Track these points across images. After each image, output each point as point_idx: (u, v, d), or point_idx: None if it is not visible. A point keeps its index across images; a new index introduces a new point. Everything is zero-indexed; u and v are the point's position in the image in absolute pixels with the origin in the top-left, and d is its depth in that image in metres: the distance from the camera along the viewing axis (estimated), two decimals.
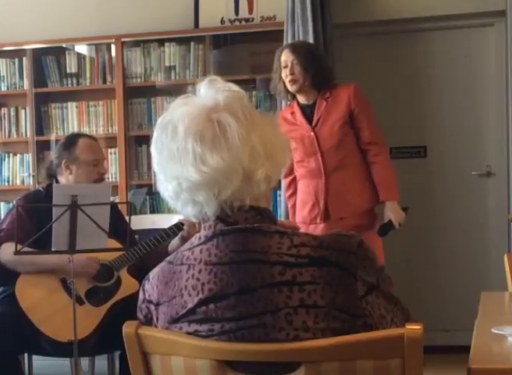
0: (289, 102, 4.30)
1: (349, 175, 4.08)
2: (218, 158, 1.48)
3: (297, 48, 4.11)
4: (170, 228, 3.64)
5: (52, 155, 3.83)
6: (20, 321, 3.40)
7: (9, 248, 3.37)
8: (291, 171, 4.20)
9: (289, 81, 4.04)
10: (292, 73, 4.03)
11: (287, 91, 4.13)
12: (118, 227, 3.53)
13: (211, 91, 1.56)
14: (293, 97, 4.18)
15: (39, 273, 3.50)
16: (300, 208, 4.19)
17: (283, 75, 4.08)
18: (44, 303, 3.47)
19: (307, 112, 4.10)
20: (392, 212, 4.06)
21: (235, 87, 1.58)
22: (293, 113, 4.14)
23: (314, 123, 4.07)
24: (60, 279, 3.51)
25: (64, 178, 3.68)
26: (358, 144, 4.10)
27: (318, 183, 4.07)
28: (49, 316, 3.44)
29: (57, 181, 3.69)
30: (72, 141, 3.74)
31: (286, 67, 4.06)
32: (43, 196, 3.61)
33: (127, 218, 3.57)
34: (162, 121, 1.56)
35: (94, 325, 3.47)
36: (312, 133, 4.06)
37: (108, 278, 3.59)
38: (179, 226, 3.60)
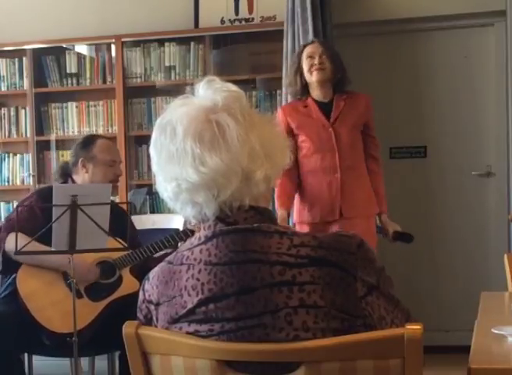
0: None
1: (360, 176, 4.09)
2: (217, 159, 1.48)
3: (326, 44, 4.27)
4: (178, 234, 3.66)
5: (69, 154, 3.85)
6: (21, 320, 3.41)
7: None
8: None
9: (317, 69, 4.02)
10: (321, 62, 4.03)
11: (304, 86, 4.08)
12: (121, 226, 3.52)
13: (209, 91, 1.56)
14: (307, 94, 4.11)
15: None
16: (308, 207, 4.07)
17: (306, 66, 4.04)
18: (42, 292, 3.49)
19: (323, 108, 4.07)
20: (390, 224, 4.12)
21: (233, 87, 1.58)
22: (306, 107, 4.08)
23: (332, 120, 4.04)
24: (62, 271, 3.52)
25: (80, 177, 3.69)
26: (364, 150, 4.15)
27: (333, 179, 4.02)
28: (46, 305, 3.46)
29: (72, 180, 3.71)
30: (90, 140, 3.77)
31: (312, 57, 4.04)
32: None
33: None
34: (161, 122, 1.56)
35: (90, 319, 3.48)
36: (331, 129, 4.03)
37: (109, 275, 3.61)
38: (186, 233, 3.61)
